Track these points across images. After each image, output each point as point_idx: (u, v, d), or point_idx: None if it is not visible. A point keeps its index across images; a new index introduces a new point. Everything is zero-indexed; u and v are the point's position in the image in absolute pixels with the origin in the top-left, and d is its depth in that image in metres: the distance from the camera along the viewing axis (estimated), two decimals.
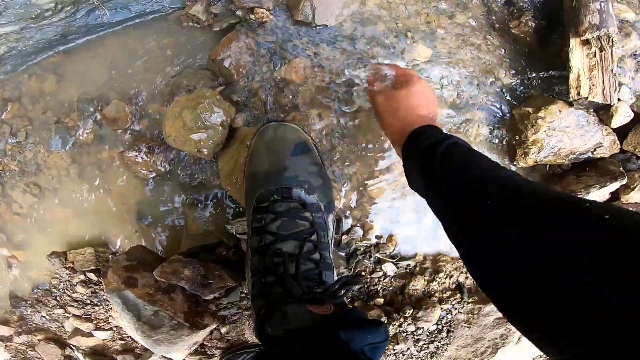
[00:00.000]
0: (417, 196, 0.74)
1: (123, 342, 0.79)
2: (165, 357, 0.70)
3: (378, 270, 0.72)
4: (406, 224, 0.74)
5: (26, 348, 0.86)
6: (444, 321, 0.74)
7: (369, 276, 0.72)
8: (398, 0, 0.75)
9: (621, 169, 0.72)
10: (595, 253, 0.27)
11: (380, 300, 0.73)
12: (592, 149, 0.73)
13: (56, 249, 0.78)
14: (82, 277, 0.76)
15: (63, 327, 0.82)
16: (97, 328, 0.78)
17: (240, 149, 0.66)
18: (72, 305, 0.79)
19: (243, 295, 0.69)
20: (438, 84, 0.75)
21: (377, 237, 0.73)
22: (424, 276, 0.74)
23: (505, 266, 0.33)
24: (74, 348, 0.81)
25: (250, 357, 0.67)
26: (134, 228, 0.75)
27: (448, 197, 0.43)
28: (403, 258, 0.74)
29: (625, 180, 0.71)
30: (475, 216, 0.38)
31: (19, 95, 0.81)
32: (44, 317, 0.84)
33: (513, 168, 0.77)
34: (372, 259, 0.72)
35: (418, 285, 0.73)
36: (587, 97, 0.69)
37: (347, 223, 0.72)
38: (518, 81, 0.77)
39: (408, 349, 0.73)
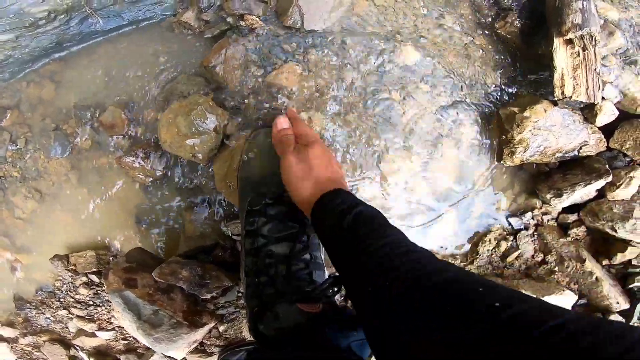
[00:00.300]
0: (406, 194, 0.76)
1: (126, 341, 0.82)
2: (166, 356, 0.72)
3: None
4: (395, 222, 0.76)
5: (32, 349, 0.89)
6: None
7: None
8: (386, 3, 0.77)
9: (606, 166, 0.73)
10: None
11: None
12: (578, 148, 0.75)
13: (58, 252, 0.81)
14: (84, 279, 0.79)
15: (67, 328, 0.85)
16: (100, 328, 0.81)
17: (234, 154, 0.68)
18: (75, 307, 0.81)
19: (240, 294, 0.72)
20: (427, 85, 0.76)
21: None
22: None
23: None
24: (78, 348, 0.83)
25: (247, 355, 0.69)
26: (133, 231, 0.78)
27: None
28: None
29: (610, 178, 0.73)
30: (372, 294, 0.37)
31: (18, 103, 0.83)
32: (48, 318, 0.86)
33: (501, 167, 0.79)
34: None
35: None
36: (571, 97, 0.70)
37: None
38: (505, 81, 0.79)
39: None
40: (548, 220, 0.81)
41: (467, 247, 0.81)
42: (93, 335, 0.82)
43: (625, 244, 0.76)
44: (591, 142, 0.75)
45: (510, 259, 0.79)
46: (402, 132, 0.75)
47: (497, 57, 0.79)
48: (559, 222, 0.81)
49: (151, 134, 0.76)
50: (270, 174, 0.57)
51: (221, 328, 0.73)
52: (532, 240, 0.80)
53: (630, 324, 0.79)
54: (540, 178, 0.79)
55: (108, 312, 0.80)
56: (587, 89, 0.71)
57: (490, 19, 0.80)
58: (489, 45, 0.79)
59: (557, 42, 0.71)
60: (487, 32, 0.80)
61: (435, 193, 0.78)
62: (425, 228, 0.77)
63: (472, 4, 0.80)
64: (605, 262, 0.79)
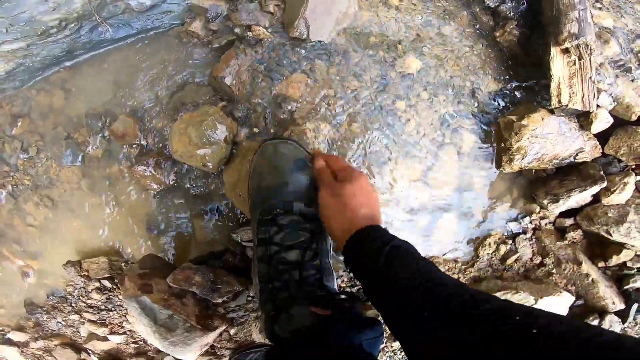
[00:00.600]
0: (409, 200, 0.79)
1: (136, 345, 0.84)
2: (177, 359, 0.74)
3: None
4: (399, 227, 0.79)
5: (43, 353, 0.90)
6: None
7: None
8: (389, 14, 0.79)
9: (601, 172, 0.76)
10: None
11: None
12: (574, 154, 0.78)
13: (70, 258, 0.83)
14: (96, 284, 0.80)
15: (78, 332, 0.87)
16: (112, 332, 0.83)
17: (244, 163, 0.71)
18: (87, 311, 0.83)
19: (249, 298, 0.74)
20: (429, 94, 0.79)
21: None
22: None
23: None
24: (90, 352, 0.85)
25: (258, 356, 0.72)
26: (145, 237, 0.80)
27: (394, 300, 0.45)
28: None
29: (605, 184, 0.75)
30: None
31: (29, 111, 0.85)
32: (59, 322, 0.88)
33: (500, 173, 0.81)
34: None
35: None
36: (567, 105, 0.72)
37: None
38: (504, 89, 0.81)
39: None
40: (546, 225, 0.84)
41: (468, 251, 0.83)
42: (105, 339, 0.83)
43: (620, 246, 0.79)
44: (587, 148, 0.78)
45: (509, 261, 0.82)
46: (405, 140, 0.78)
47: (496, 65, 0.82)
48: (556, 226, 0.84)
49: (161, 143, 0.78)
50: (280, 184, 0.59)
51: (232, 331, 0.75)
52: (531, 244, 0.83)
53: (627, 323, 0.82)
54: (538, 184, 0.82)
55: (120, 316, 0.82)
56: (582, 97, 0.73)
57: (489, 28, 0.82)
58: (489, 54, 0.82)
59: (554, 51, 0.73)
60: (486, 40, 0.82)
61: (436, 199, 0.80)
62: (430, 231, 0.79)
63: (472, 13, 0.83)
64: (601, 264, 0.82)
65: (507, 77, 0.81)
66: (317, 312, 0.52)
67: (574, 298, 0.79)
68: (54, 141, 0.83)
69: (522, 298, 0.73)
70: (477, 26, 0.83)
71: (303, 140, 0.72)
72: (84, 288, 0.82)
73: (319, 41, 0.76)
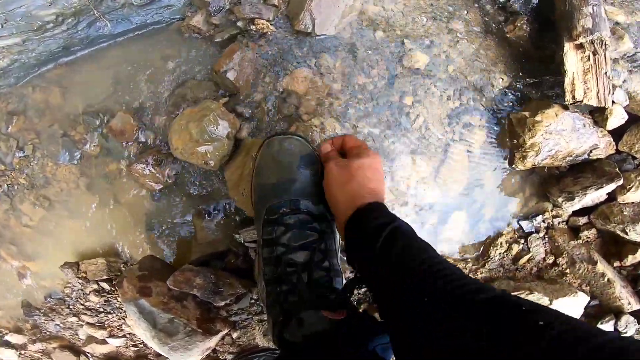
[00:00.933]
0: (418, 198, 0.76)
1: (136, 348, 0.82)
2: None
3: None
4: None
5: (41, 355, 0.88)
6: None
7: None
8: (395, 8, 0.77)
9: (617, 169, 0.74)
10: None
11: None
12: (589, 151, 0.75)
13: (68, 260, 0.80)
14: (95, 286, 0.78)
15: (77, 334, 0.85)
16: (111, 335, 0.80)
17: (246, 160, 0.68)
18: (85, 314, 0.81)
19: (253, 301, 0.72)
20: (437, 89, 0.77)
21: None
22: None
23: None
24: (88, 355, 0.83)
25: None
26: (144, 238, 0.77)
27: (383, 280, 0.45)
28: None
29: (621, 181, 0.73)
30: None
31: (24, 108, 0.82)
32: (58, 325, 0.86)
33: (512, 171, 0.79)
34: None
35: None
36: (582, 101, 0.70)
37: None
38: (515, 85, 0.79)
39: None
40: (559, 223, 0.81)
41: (479, 250, 0.81)
42: (104, 342, 0.81)
43: (636, 246, 0.77)
44: (601, 145, 0.76)
45: (521, 261, 0.80)
46: (413, 137, 0.75)
47: (506, 60, 0.79)
48: (570, 224, 0.82)
49: (161, 140, 0.76)
50: (286, 181, 0.57)
51: (234, 335, 0.73)
52: (543, 243, 0.81)
53: None
54: (551, 181, 0.79)
55: (119, 319, 0.80)
56: (597, 93, 0.71)
57: (499, 23, 0.80)
58: (498, 49, 0.80)
59: (568, 47, 0.71)
60: (496, 36, 0.80)
61: (446, 197, 0.78)
62: (436, 230, 0.77)
63: (481, 8, 0.81)
64: (616, 264, 0.79)
65: (518, 72, 0.79)
66: (330, 317, 0.49)
67: (589, 298, 0.77)
68: (50, 139, 0.80)
69: (538, 299, 0.71)
70: (487, 21, 0.80)
71: (309, 136, 0.70)
72: (81, 290, 0.80)
73: (325, 35, 0.74)
